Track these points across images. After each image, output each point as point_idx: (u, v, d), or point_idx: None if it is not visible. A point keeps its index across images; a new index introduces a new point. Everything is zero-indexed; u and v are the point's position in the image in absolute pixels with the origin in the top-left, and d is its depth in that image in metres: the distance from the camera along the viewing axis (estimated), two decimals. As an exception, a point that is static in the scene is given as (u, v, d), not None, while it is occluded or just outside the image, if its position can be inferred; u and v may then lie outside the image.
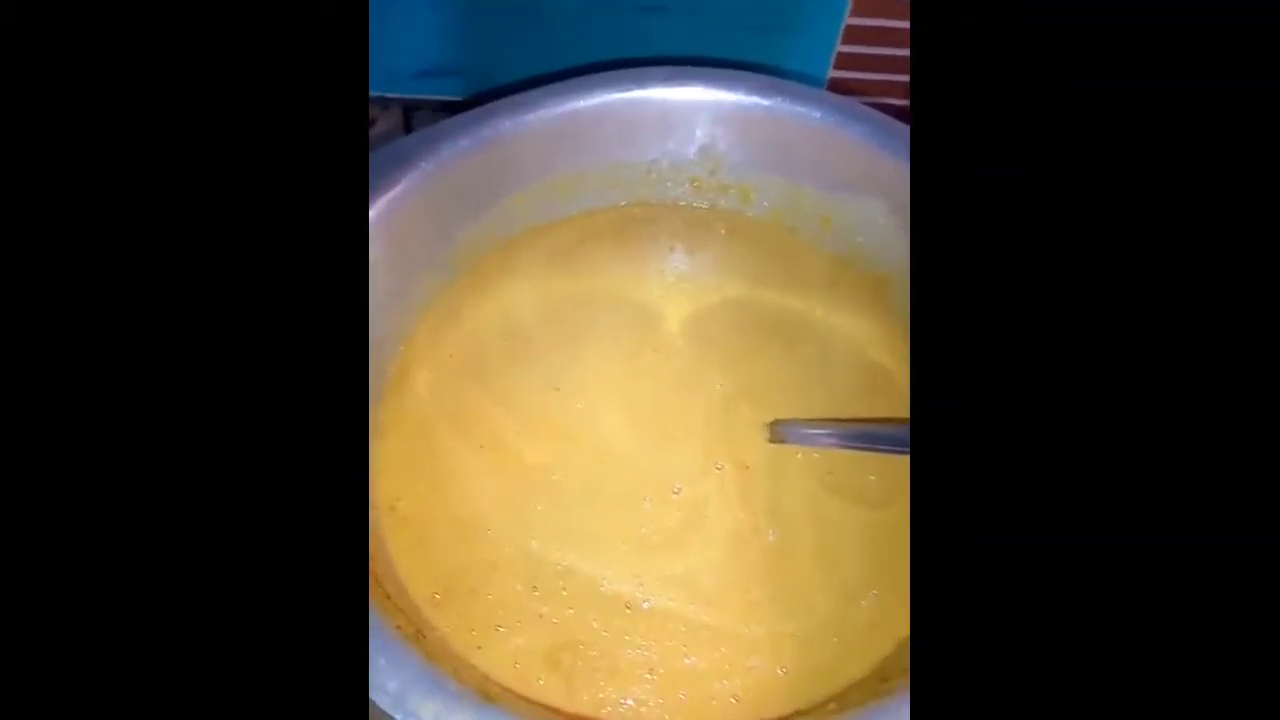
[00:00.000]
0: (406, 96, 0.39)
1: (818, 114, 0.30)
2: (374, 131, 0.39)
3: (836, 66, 0.39)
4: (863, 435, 0.28)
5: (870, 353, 0.31)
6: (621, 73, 0.31)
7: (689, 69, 0.31)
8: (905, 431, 0.28)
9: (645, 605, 0.26)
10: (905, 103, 0.40)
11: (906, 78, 0.40)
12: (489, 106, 0.30)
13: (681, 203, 0.34)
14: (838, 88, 0.39)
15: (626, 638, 0.25)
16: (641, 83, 0.31)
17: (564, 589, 0.26)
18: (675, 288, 0.32)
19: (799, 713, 0.23)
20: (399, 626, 0.21)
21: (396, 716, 0.18)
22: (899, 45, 0.38)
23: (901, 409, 0.29)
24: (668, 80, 0.31)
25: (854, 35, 0.38)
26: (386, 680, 0.19)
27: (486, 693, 0.20)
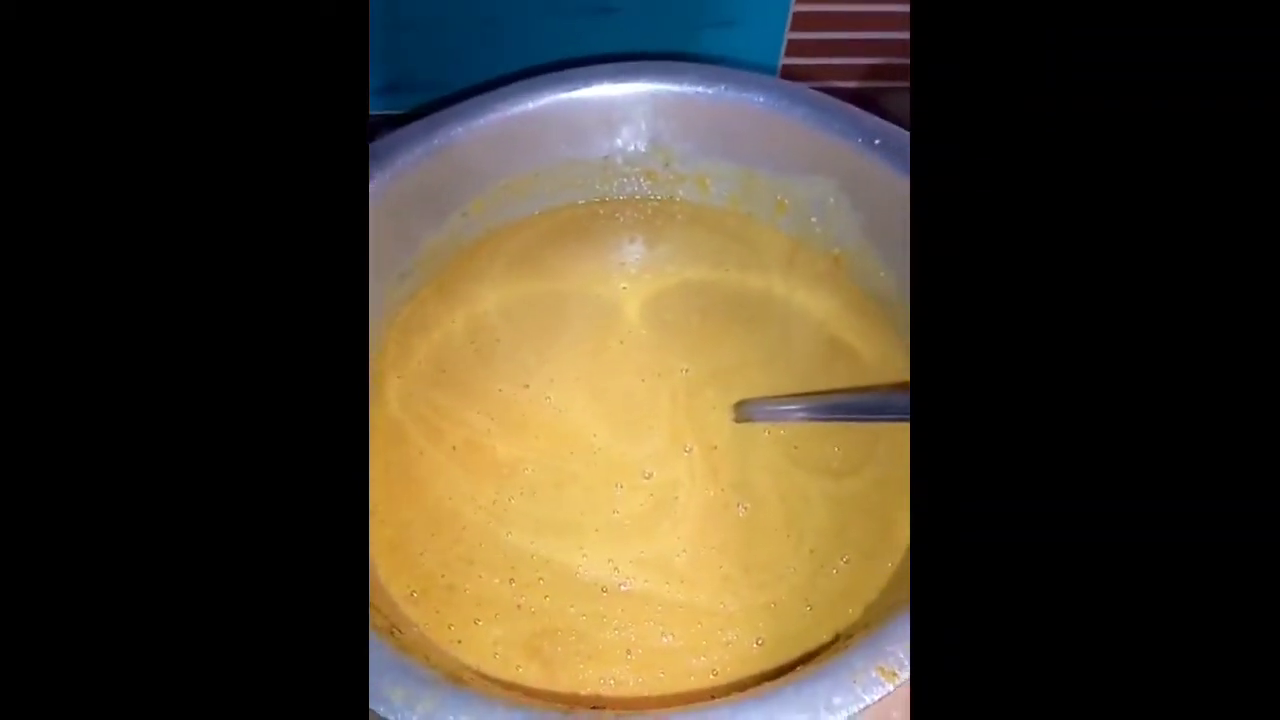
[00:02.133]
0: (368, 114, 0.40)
1: (761, 99, 0.31)
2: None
3: (788, 54, 0.40)
4: (825, 407, 0.28)
5: (829, 328, 0.31)
6: (570, 72, 0.32)
7: (635, 64, 0.32)
8: (866, 400, 0.29)
9: (622, 588, 0.26)
10: (858, 85, 0.41)
11: (857, 60, 0.40)
12: (440, 114, 0.31)
13: (639, 196, 0.35)
14: (792, 75, 0.40)
15: (604, 621, 0.25)
16: (589, 80, 0.31)
17: (541, 578, 0.26)
18: (637, 279, 0.33)
19: (765, 675, 0.23)
20: (371, 620, 0.22)
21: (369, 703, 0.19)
22: (846, 29, 0.39)
23: (861, 380, 0.30)
24: (613, 77, 0.31)
25: (802, 22, 0.38)
26: (357, 670, 0.19)
27: (458, 678, 0.20)
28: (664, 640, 0.25)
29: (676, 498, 0.28)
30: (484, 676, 0.24)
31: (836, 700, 0.18)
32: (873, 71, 0.41)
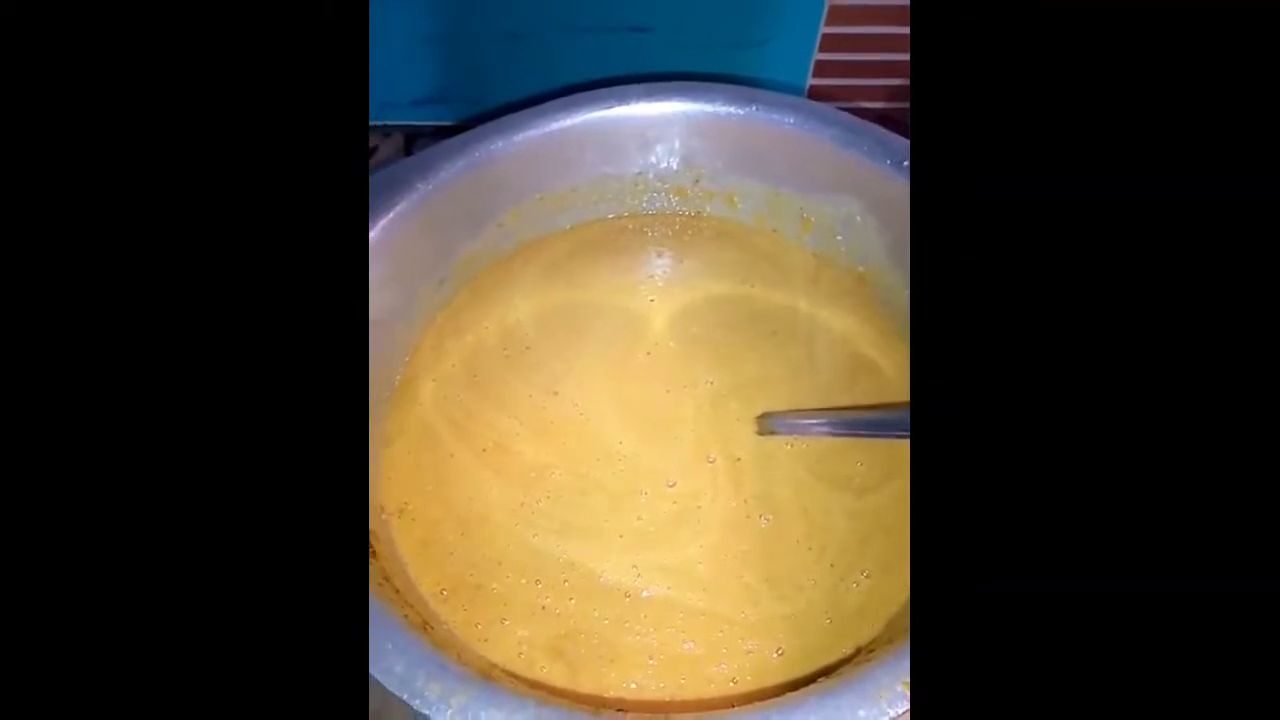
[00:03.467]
0: (406, 124, 0.41)
1: (790, 120, 0.31)
2: (375, 158, 0.41)
3: (815, 74, 0.40)
4: (848, 422, 0.29)
5: (853, 344, 0.32)
6: (604, 91, 0.33)
7: (667, 84, 0.33)
8: (888, 417, 0.29)
9: (644, 594, 0.27)
10: (884, 106, 0.42)
11: (883, 81, 0.41)
12: (480, 128, 0.32)
13: (668, 211, 0.36)
14: (818, 95, 0.41)
15: (626, 625, 0.26)
16: (623, 99, 0.32)
17: (565, 581, 0.27)
18: (665, 292, 0.34)
19: (784, 686, 0.23)
20: (406, 616, 0.22)
21: (403, 696, 0.20)
22: (874, 51, 0.40)
23: (884, 396, 0.30)
24: (647, 96, 0.32)
25: (830, 44, 0.39)
26: (394, 663, 0.20)
27: (489, 675, 0.21)
28: (685, 647, 0.26)
29: (699, 507, 0.28)
30: (510, 675, 0.25)
31: (861, 714, 0.19)
32: (898, 92, 0.41)
